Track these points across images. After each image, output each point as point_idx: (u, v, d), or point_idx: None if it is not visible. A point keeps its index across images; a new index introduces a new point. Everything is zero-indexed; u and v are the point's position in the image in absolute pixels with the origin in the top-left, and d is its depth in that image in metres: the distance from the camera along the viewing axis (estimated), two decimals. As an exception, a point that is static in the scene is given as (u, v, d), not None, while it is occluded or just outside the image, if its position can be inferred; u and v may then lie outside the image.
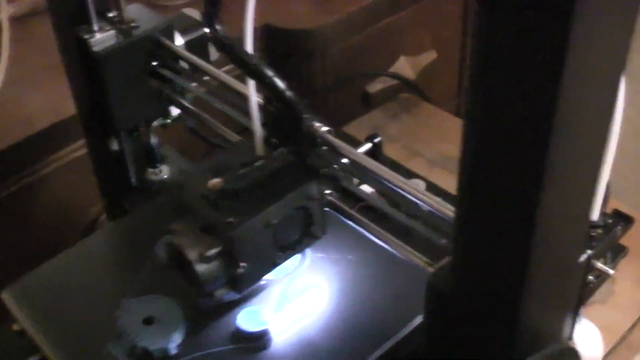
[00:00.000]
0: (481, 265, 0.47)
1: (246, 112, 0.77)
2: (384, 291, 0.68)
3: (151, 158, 0.90)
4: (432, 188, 0.92)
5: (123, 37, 0.82)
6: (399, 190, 0.58)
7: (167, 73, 0.86)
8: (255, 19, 1.16)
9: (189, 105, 0.87)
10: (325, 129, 0.62)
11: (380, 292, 0.68)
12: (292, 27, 1.17)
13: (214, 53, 0.93)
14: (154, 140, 0.90)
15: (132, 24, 0.82)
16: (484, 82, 0.41)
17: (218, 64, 0.95)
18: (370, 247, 0.67)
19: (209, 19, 0.58)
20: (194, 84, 0.85)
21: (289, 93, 0.58)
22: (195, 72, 0.86)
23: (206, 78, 0.82)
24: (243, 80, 0.71)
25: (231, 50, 0.57)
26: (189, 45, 0.89)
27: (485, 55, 0.40)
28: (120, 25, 0.81)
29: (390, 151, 1.05)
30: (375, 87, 1.30)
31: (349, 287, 0.69)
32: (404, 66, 1.32)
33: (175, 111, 0.89)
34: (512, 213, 0.43)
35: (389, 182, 0.59)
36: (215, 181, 0.60)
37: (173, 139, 0.97)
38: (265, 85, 0.57)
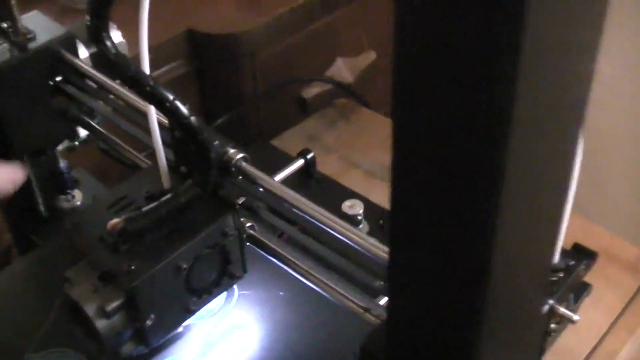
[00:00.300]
0: (422, 324, 0.39)
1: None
2: (314, 333, 0.61)
3: (61, 184, 0.82)
4: (372, 209, 0.85)
5: (18, 51, 0.73)
6: (324, 227, 0.51)
7: (72, 90, 0.78)
8: (177, 24, 1.08)
9: (97, 126, 0.78)
10: (239, 155, 0.55)
11: (311, 334, 0.61)
12: (218, 31, 1.08)
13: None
14: (62, 164, 0.82)
15: (28, 36, 0.73)
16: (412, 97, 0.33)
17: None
18: (297, 287, 0.59)
19: (95, 34, 0.50)
20: (101, 103, 0.77)
21: (193, 119, 0.50)
22: (102, 89, 0.77)
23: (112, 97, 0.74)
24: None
25: (123, 72, 0.49)
26: (95, 59, 0.80)
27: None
28: (15, 37, 0.73)
29: (326, 164, 0.98)
30: (311, 92, 1.22)
31: (278, 328, 0.61)
32: (342, 69, 1.25)
33: (83, 132, 0.80)
34: (460, 265, 0.36)
35: (312, 217, 0.52)
36: (114, 222, 0.52)
37: (86, 160, 0.89)
38: (165, 112, 0.49)
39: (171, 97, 0.49)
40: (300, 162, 0.82)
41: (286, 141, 1.09)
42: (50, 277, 0.66)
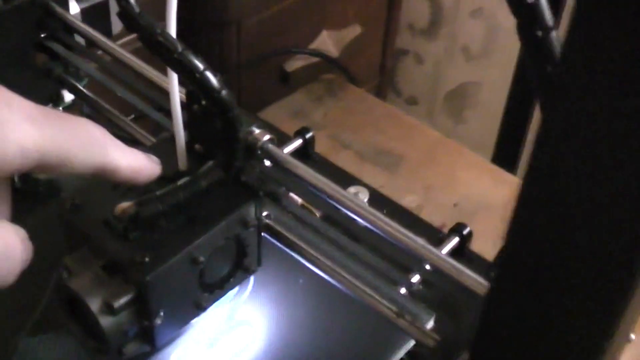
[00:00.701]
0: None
1: (160, 106, 0.63)
2: (334, 335, 0.56)
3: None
4: (379, 199, 0.79)
5: (2, 1, 0.66)
6: (366, 224, 0.46)
7: (58, 48, 0.70)
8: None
9: (83, 89, 0.71)
10: (266, 137, 0.49)
11: (330, 336, 0.56)
12: (205, -6, 1.01)
13: (116, 24, 0.78)
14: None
15: (15, -16, 0.66)
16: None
17: (121, 37, 0.79)
18: (317, 284, 0.54)
19: (120, -10, 0.43)
20: (92, 65, 0.70)
21: (224, 93, 0.44)
22: (92, 47, 0.70)
23: (107, 57, 0.67)
24: (153, 61, 0.57)
25: (149, 35, 0.42)
26: (86, 14, 0.73)
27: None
28: (0, -16, 0.65)
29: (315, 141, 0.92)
30: (295, 64, 1.16)
31: (291, 328, 0.56)
32: (326, 42, 1.19)
33: (68, 96, 0.73)
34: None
35: (351, 210, 0.47)
36: (124, 205, 0.45)
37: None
38: (193, 82, 0.43)
39: (202, 66, 0.43)
40: (298, 142, 0.77)
41: (271, 115, 1.03)
42: (40, 255, 0.59)
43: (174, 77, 0.45)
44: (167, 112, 0.64)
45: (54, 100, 0.73)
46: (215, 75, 0.44)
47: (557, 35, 0.34)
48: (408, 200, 0.97)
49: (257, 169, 0.50)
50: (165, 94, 0.61)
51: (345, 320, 0.58)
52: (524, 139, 1.38)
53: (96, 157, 0.41)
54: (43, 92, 0.72)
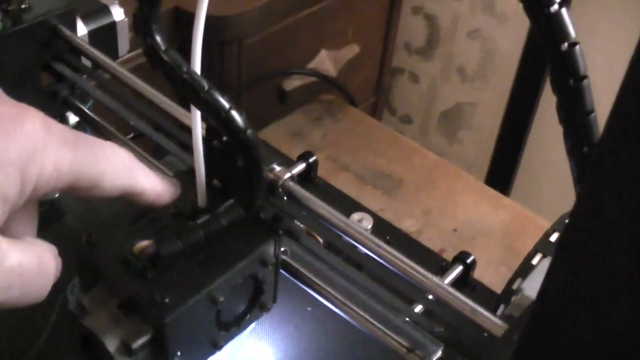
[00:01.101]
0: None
1: (168, 133, 0.62)
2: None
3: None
4: (380, 226, 0.79)
5: (10, 22, 0.65)
6: (376, 257, 0.45)
7: (63, 70, 0.69)
8: (165, 0, 1.00)
9: (88, 112, 0.70)
10: (287, 175, 0.48)
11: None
12: (207, 13, 1.00)
13: (123, 46, 0.77)
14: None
15: (23, 6, 0.65)
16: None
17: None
18: (331, 320, 0.53)
19: (144, 25, 0.42)
20: (97, 90, 0.69)
21: (250, 132, 0.43)
22: (98, 69, 0.69)
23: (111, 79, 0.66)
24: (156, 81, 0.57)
25: (175, 73, 0.42)
26: (92, 36, 0.72)
27: None
28: (7, 6, 0.64)
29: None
30: (292, 83, 1.16)
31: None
32: (325, 61, 1.19)
33: (73, 119, 0.72)
34: None
35: (374, 252, 0.46)
36: (144, 244, 0.44)
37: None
38: (219, 121, 0.42)
39: (227, 105, 0.42)
40: (301, 166, 0.76)
41: (270, 135, 1.03)
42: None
43: (197, 114, 0.45)
44: (167, 133, 0.64)
45: (60, 122, 0.72)
46: (240, 114, 0.43)
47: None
48: (408, 225, 0.97)
49: (276, 206, 0.49)
50: (167, 114, 0.61)
51: (355, 354, 0.58)
52: (517, 162, 1.39)
53: (125, 179, 0.43)
54: (48, 114, 0.71)
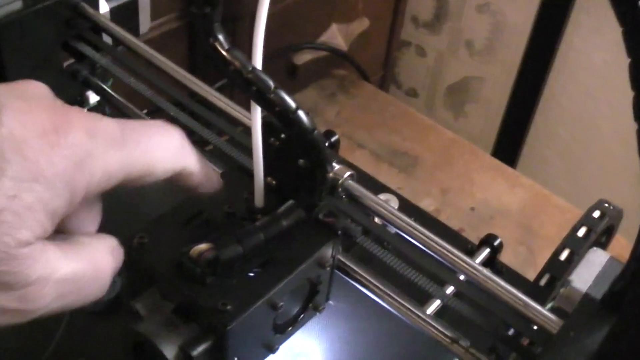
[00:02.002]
0: None
1: (177, 101, 0.60)
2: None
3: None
4: (407, 206, 0.77)
5: (31, 1, 0.62)
6: (451, 267, 0.44)
7: (84, 48, 0.67)
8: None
9: (109, 90, 0.68)
10: (347, 174, 0.46)
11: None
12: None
13: (145, 23, 0.74)
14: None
15: (44, -17, 0.62)
16: None
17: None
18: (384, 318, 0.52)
19: (206, 25, 0.40)
20: (118, 68, 0.67)
21: (316, 133, 0.41)
22: (119, 46, 0.67)
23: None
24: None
25: (238, 73, 0.39)
26: (114, 14, 0.69)
27: None
28: (29, -17, 0.62)
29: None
30: (303, 58, 1.13)
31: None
32: (336, 35, 1.16)
33: (93, 98, 0.70)
34: None
35: (437, 254, 0.45)
36: (202, 247, 0.42)
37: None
38: (285, 122, 0.40)
39: (294, 105, 0.40)
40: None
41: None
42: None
43: (258, 112, 0.42)
44: (183, 107, 0.62)
45: (79, 102, 0.70)
46: (307, 114, 0.41)
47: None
48: (426, 204, 0.95)
49: (335, 206, 0.47)
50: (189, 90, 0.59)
51: (400, 347, 0.57)
52: (524, 137, 1.38)
53: (176, 162, 0.42)
54: (69, 93, 0.68)
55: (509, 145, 1.39)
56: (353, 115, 1.02)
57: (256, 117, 0.43)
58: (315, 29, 1.14)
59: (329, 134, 0.77)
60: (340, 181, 0.46)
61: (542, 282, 0.56)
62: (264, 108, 0.41)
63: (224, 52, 0.40)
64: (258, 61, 0.41)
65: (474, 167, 1.01)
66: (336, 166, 0.46)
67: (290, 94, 1.12)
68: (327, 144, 0.75)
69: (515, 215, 0.95)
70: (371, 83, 1.19)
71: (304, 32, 1.12)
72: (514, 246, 0.92)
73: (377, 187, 0.79)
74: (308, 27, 1.13)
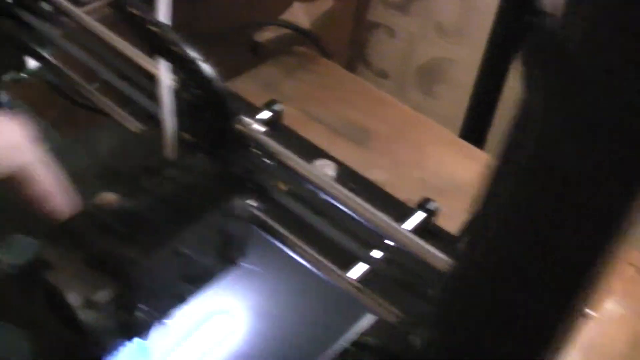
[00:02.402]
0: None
1: (124, 75, 0.60)
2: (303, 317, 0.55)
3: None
4: (346, 173, 0.78)
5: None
6: (365, 223, 0.44)
7: (24, 14, 0.68)
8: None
9: (49, 57, 0.68)
10: (258, 128, 0.47)
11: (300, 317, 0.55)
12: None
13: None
14: (4, 97, 0.72)
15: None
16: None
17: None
18: (298, 273, 0.53)
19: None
20: (59, 32, 0.67)
21: (219, 82, 0.42)
22: (60, 14, 0.67)
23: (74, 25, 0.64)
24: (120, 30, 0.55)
25: (142, 25, 0.40)
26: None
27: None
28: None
29: (284, 115, 0.91)
30: (266, 35, 1.13)
31: (269, 317, 0.55)
32: (298, 13, 1.17)
33: (33, 63, 0.70)
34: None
35: (345, 206, 0.45)
36: (108, 197, 0.43)
37: (30, 96, 0.79)
38: (188, 73, 0.41)
39: (196, 56, 0.41)
40: (267, 114, 0.75)
41: (239, 87, 1.01)
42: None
43: (165, 66, 0.43)
44: (132, 82, 0.62)
45: (19, 67, 0.70)
46: (209, 65, 0.42)
47: None
48: (375, 174, 0.96)
49: (246, 160, 0.48)
50: (132, 63, 0.59)
51: (314, 300, 0.58)
52: (492, 116, 1.38)
53: (9, 159, 0.41)
54: (7, 59, 0.69)
55: (477, 127, 1.40)
56: (311, 90, 1.03)
57: (163, 71, 0.44)
58: (277, 6, 1.15)
59: (271, 103, 0.78)
60: (250, 134, 0.47)
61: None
62: (166, 60, 0.42)
63: (127, 4, 0.41)
64: (164, 14, 0.42)
65: (427, 140, 1.01)
66: (245, 120, 0.47)
67: (249, 69, 1.11)
68: (270, 113, 0.76)
69: (467, 188, 0.96)
70: (337, 63, 1.20)
71: (267, 9, 1.13)
72: (464, 216, 0.93)
73: (318, 154, 0.80)
74: (269, 4, 1.13)
